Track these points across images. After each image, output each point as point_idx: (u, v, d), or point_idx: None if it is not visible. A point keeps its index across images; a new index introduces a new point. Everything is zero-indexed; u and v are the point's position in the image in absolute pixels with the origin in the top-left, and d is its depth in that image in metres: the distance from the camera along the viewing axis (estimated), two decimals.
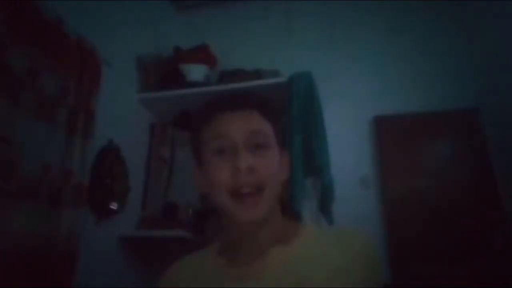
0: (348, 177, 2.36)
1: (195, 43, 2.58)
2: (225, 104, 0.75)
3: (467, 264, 2.15)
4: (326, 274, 0.65)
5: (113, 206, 1.91)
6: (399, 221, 2.30)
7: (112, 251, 1.99)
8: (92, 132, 1.72)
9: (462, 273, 2.12)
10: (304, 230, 0.75)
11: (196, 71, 2.38)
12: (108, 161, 1.90)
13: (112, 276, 1.93)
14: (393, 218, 2.32)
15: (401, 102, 2.51)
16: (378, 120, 2.51)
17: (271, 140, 0.73)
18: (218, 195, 0.69)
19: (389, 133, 2.47)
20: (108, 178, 1.89)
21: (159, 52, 2.55)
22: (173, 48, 2.55)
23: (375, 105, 2.54)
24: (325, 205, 2.08)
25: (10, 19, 1.35)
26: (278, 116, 0.82)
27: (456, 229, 2.23)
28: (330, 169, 2.08)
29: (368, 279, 0.66)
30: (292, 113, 2.11)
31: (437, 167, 2.38)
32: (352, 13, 2.81)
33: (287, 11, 2.91)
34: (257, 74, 2.33)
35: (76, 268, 1.51)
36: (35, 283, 1.31)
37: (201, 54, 2.51)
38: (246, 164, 0.66)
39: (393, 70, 2.61)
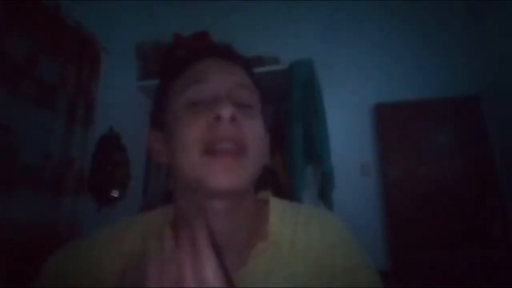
0: (348, 165, 2.36)
1: (195, 30, 2.56)
2: (203, 51, 0.62)
3: (466, 251, 2.17)
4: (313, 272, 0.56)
5: (114, 193, 1.92)
6: (399, 208, 2.32)
7: None
8: (92, 119, 1.72)
9: (461, 260, 2.14)
10: (272, 212, 0.62)
11: None
12: (109, 149, 1.90)
13: None
14: (393, 206, 2.33)
15: (402, 90, 2.50)
16: (378, 107, 2.50)
17: (257, 104, 0.60)
18: (186, 157, 0.52)
19: (390, 121, 2.46)
20: (109, 166, 1.89)
21: (158, 39, 2.53)
22: (173, 35, 2.53)
23: (376, 93, 2.52)
24: (325, 193, 2.08)
25: (8, 7, 1.34)
26: (262, 89, 0.66)
27: (456, 216, 2.24)
28: (330, 156, 2.09)
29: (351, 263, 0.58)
30: (293, 100, 2.11)
31: (437, 155, 2.39)
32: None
33: None
34: (258, 61, 2.31)
35: None
36: (36, 270, 1.33)
37: (201, 41, 2.49)
38: (229, 112, 0.51)
39: (394, 57, 2.59)
